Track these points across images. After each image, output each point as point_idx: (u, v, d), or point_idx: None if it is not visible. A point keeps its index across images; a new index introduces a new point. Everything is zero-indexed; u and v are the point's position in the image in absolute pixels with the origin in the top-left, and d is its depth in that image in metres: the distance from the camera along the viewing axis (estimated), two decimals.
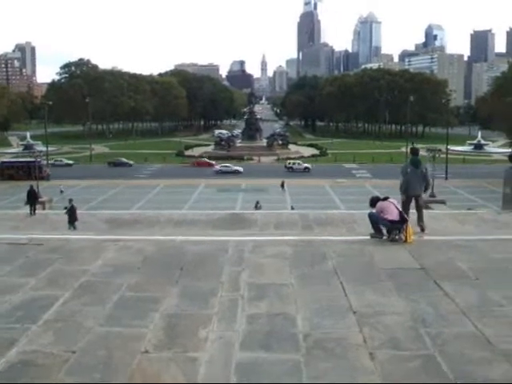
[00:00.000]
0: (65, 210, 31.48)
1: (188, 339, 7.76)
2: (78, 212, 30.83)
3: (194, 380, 6.61)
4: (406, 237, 13.30)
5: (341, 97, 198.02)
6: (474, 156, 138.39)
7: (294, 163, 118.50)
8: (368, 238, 13.89)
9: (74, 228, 27.51)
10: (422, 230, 15.96)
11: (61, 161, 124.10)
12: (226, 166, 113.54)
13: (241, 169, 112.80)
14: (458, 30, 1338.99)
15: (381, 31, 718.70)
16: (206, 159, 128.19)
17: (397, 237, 13.41)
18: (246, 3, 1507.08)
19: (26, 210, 38.93)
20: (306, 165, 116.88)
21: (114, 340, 7.75)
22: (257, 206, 43.48)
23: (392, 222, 13.51)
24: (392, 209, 13.95)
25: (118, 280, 10.41)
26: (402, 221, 13.65)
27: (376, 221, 13.84)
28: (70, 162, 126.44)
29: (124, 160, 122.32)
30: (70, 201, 32.85)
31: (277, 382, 6.56)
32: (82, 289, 9.95)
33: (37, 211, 37.17)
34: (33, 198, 38.92)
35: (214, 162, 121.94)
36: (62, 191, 75.56)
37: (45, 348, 7.48)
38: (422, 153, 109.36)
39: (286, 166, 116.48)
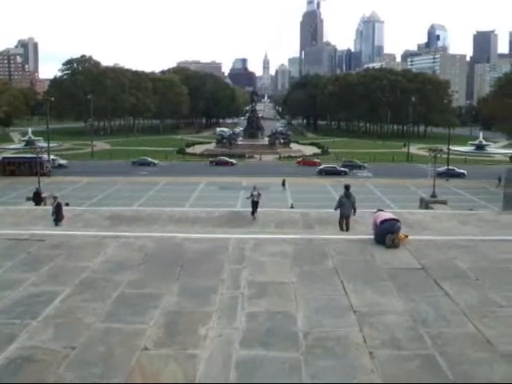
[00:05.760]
0: (51, 207, 28.92)
1: (188, 336, 7.76)
2: (80, 208, 30.73)
3: (194, 377, 6.62)
4: (397, 239, 13.12)
5: (343, 96, 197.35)
6: (476, 156, 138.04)
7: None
8: (368, 237, 13.83)
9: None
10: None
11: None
12: (331, 167, 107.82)
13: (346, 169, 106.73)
14: (460, 30, 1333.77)
15: (383, 31, 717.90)
16: (311, 158, 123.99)
17: (390, 241, 13.18)
18: (249, 1, 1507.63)
19: (27, 206, 39.12)
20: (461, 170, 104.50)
21: (114, 336, 7.75)
22: (252, 194, 34.92)
23: (382, 221, 13.44)
24: (383, 214, 13.98)
25: (119, 276, 10.41)
26: (393, 220, 13.53)
27: (377, 236, 13.55)
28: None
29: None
30: (55, 198, 29.33)
31: (276, 381, 6.56)
32: (82, 285, 9.95)
33: (39, 207, 37.33)
34: (38, 199, 40.01)
35: (318, 161, 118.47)
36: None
37: (44, 344, 7.49)
38: (424, 153, 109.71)
39: None
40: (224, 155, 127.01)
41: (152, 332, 7.90)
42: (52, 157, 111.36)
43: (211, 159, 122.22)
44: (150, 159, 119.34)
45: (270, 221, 28.40)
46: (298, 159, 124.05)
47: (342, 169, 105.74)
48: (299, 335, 7.81)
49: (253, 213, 31.03)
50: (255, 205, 32.26)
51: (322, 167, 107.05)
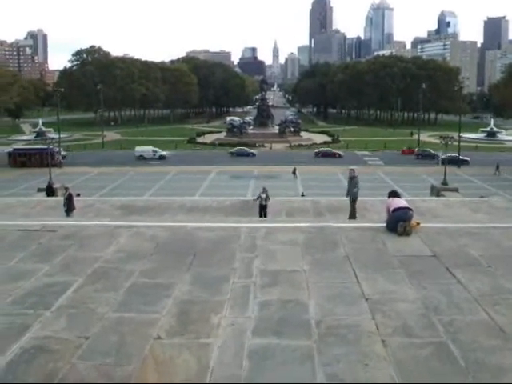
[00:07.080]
0: (62, 198, 28.94)
1: (200, 325, 7.77)
2: (92, 199, 30.82)
3: (206, 366, 6.63)
4: (409, 227, 13.04)
5: (353, 84, 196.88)
6: (487, 144, 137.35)
7: None
8: (380, 225, 13.78)
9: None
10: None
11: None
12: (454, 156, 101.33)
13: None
14: (471, 16, 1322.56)
15: (393, 18, 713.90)
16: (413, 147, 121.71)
17: (402, 229, 13.10)
18: None
19: (39, 197, 39.38)
20: None
21: (127, 326, 7.77)
22: (260, 197, 29.28)
23: (394, 209, 13.37)
24: (396, 201, 13.89)
25: (131, 266, 10.43)
26: (405, 208, 13.46)
27: (389, 224, 13.49)
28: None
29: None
30: (66, 189, 29.38)
31: (289, 369, 6.57)
32: (95, 275, 9.97)
33: (50, 198, 37.67)
34: (51, 193, 41.01)
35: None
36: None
37: (58, 334, 7.52)
38: (435, 140, 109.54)
39: None
40: (235, 144, 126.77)
41: (164, 321, 7.92)
42: (152, 148, 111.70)
43: (316, 151, 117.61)
44: (248, 149, 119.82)
45: (281, 209, 28.40)
46: (403, 148, 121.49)
47: (465, 158, 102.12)
48: (311, 323, 7.81)
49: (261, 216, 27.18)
50: (263, 209, 28.43)
51: (444, 157, 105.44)
